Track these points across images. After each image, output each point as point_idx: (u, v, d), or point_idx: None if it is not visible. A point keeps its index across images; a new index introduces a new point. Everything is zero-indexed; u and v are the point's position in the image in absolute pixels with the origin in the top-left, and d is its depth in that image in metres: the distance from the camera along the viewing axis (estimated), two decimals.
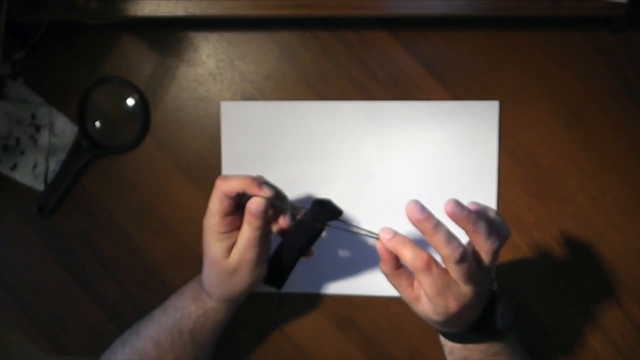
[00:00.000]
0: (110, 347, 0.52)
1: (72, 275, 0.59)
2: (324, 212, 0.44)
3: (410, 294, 0.42)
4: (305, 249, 0.47)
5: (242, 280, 0.47)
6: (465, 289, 0.39)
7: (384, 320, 0.58)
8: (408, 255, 0.39)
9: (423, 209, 0.37)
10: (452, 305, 0.39)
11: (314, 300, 0.58)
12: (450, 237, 0.37)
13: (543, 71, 0.55)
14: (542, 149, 0.55)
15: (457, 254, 0.37)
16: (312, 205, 0.44)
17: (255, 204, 0.43)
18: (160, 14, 0.50)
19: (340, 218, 0.45)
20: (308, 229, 0.45)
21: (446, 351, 0.49)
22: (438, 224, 0.37)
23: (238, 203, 0.45)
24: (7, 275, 0.60)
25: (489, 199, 0.55)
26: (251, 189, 0.44)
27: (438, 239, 0.37)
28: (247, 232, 0.45)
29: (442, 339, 0.48)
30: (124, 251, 0.59)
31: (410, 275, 0.42)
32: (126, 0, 0.50)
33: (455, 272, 0.38)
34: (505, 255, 0.55)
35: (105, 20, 0.54)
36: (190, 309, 0.49)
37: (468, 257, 0.38)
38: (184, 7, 0.50)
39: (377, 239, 0.41)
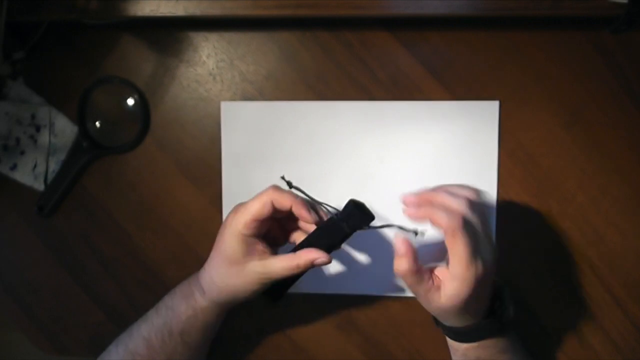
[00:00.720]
0: (107, 348, 0.52)
1: (72, 275, 0.59)
2: (358, 213, 0.43)
3: (430, 286, 0.42)
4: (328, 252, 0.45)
5: (246, 289, 0.47)
6: (487, 247, 0.41)
7: (384, 320, 0.58)
8: (442, 218, 0.40)
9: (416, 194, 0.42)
10: (480, 268, 0.40)
11: (314, 300, 0.58)
12: (452, 198, 0.41)
13: (543, 71, 0.55)
14: (542, 149, 0.55)
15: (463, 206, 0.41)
16: (346, 205, 0.43)
17: (320, 260, 0.44)
18: (160, 14, 0.50)
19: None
20: (336, 231, 0.44)
21: (453, 354, 0.49)
22: (435, 192, 0.42)
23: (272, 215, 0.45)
24: (7, 275, 0.60)
25: (489, 199, 0.55)
26: (300, 212, 0.44)
27: (443, 198, 0.41)
28: (290, 271, 0.44)
29: (454, 344, 0.48)
30: (124, 251, 0.59)
31: (427, 269, 0.43)
32: (126, 0, 0.50)
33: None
34: (506, 255, 0.55)
35: (105, 20, 0.54)
36: (180, 309, 0.49)
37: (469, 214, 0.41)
38: (184, 7, 0.50)
39: (402, 229, 0.42)
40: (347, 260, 0.57)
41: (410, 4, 0.49)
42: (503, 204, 0.55)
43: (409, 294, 0.57)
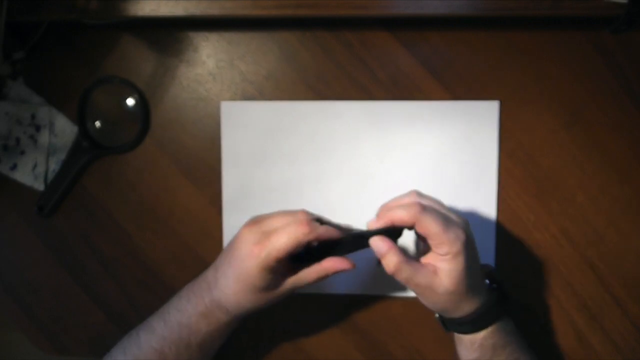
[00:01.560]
0: (109, 353, 0.51)
1: (72, 275, 0.59)
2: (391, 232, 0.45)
3: (427, 272, 0.43)
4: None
5: (275, 303, 0.47)
6: (454, 216, 0.44)
7: (384, 320, 0.58)
8: (401, 212, 0.43)
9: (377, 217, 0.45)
10: (459, 233, 0.42)
11: (314, 300, 0.58)
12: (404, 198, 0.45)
13: (543, 71, 0.55)
14: (542, 149, 0.55)
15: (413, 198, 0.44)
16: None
17: (347, 269, 0.45)
18: (160, 14, 0.50)
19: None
20: (357, 244, 0.46)
21: (468, 352, 0.48)
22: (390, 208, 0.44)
23: None
24: (7, 275, 0.60)
25: (489, 199, 0.55)
26: (335, 234, 0.45)
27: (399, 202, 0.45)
28: (315, 278, 0.46)
29: (470, 339, 0.48)
30: (124, 251, 0.59)
31: (416, 258, 0.45)
32: (126, 0, 0.50)
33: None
34: (506, 255, 0.55)
35: (105, 20, 0.54)
36: (199, 326, 0.48)
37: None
38: (184, 7, 0.50)
39: (367, 237, 0.44)
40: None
41: (410, 4, 0.49)
42: (503, 204, 0.55)
43: (409, 294, 0.57)
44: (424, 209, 0.42)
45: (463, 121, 0.55)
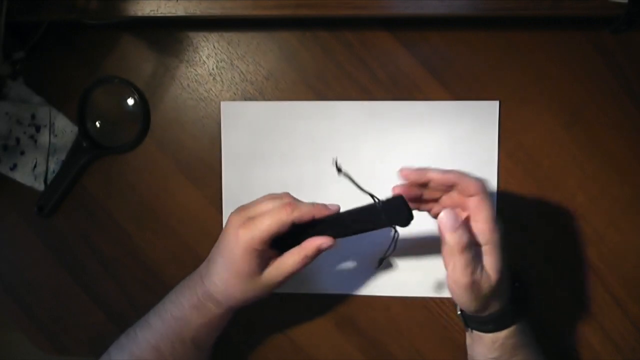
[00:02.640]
0: (107, 351, 0.51)
1: (72, 275, 0.59)
2: (405, 210, 0.42)
3: (478, 263, 0.42)
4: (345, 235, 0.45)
5: (264, 293, 0.47)
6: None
7: (384, 320, 0.58)
8: (472, 180, 0.42)
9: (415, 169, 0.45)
10: (500, 225, 0.42)
11: (314, 300, 0.58)
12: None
13: (543, 71, 0.55)
14: (542, 149, 0.55)
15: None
16: (394, 197, 0.43)
17: (325, 245, 0.44)
18: (160, 14, 0.50)
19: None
20: (371, 218, 0.43)
21: (488, 350, 0.48)
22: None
23: None
24: (7, 275, 0.60)
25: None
26: (321, 212, 0.44)
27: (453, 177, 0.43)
28: (301, 264, 0.45)
29: (492, 338, 0.47)
30: (124, 251, 0.59)
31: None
32: (126, 0, 0.50)
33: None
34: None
35: (105, 20, 0.54)
36: (192, 318, 0.48)
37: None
38: (184, 7, 0.50)
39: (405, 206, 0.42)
40: (347, 260, 0.57)
41: (410, 4, 0.49)
42: (503, 204, 0.55)
43: (409, 294, 0.57)
44: (486, 189, 0.42)
45: (463, 121, 0.55)
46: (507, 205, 0.55)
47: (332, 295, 0.58)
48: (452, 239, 0.41)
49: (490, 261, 0.42)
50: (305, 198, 0.56)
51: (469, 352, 0.51)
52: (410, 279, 0.57)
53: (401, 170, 0.44)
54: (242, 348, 0.59)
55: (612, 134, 0.54)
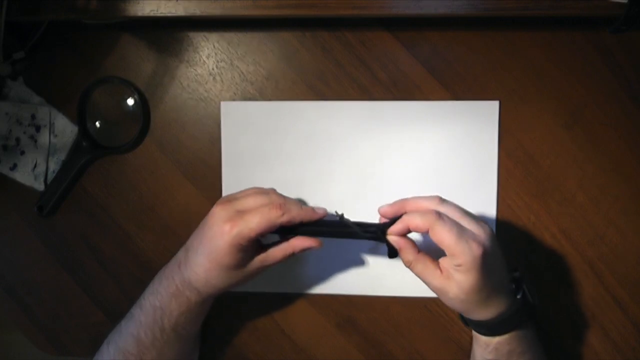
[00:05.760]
0: (100, 347, 0.52)
1: (72, 275, 0.59)
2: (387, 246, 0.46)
3: (439, 276, 0.44)
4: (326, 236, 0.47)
5: (246, 281, 0.48)
6: (476, 229, 0.43)
7: (384, 320, 0.58)
8: (417, 218, 0.43)
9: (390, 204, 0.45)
10: (474, 247, 0.41)
11: (314, 300, 0.58)
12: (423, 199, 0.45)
13: (543, 71, 0.55)
14: (542, 149, 0.55)
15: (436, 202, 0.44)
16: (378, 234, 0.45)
17: (314, 247, 0.46)
18: (160, 14, 0.50)
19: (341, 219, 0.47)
20: (347, 232, 0.46)
21: (483, 351, 0.48)
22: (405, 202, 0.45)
23: None
24: (7, 275, 0.60)
25: (489, 199, 0.55)
26: (310, 217, 0.45)
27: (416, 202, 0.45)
28: (281, 256, 0.47)
29: (485, 340, 0.47)
30: (124, 251, 0.59)
31: (433, 259, 0.44)
32: (126, 0, 0.50)
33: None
34: (505, 255, 0.55)
35: (105, 20, 0.54)
36: (171, 307, 0.48)
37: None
38: (184, 7, 0.50)
39: (382, 234, 0.45)
40: (346, 260, 0.57)
41: (410, 4, 0.49)
42: (503, 204, 0.55)
43: (409, 294, 0.57)
44: (440, 217, 0.42)
45: (463, 121, 0.55)
46: (506, 206, 0.55)
47: (332, 295, 0.58)
48: (401, 256, 0.45)
49: (457, 278, 0.43)
50: (305, 198, 0.57)
51: (472, 347, 0.51)
52: (410, 279, 0.56)
53: (379, 210, 0.46)
54: (242, 348, 0.59)
55: (612, 134, 0.54)
